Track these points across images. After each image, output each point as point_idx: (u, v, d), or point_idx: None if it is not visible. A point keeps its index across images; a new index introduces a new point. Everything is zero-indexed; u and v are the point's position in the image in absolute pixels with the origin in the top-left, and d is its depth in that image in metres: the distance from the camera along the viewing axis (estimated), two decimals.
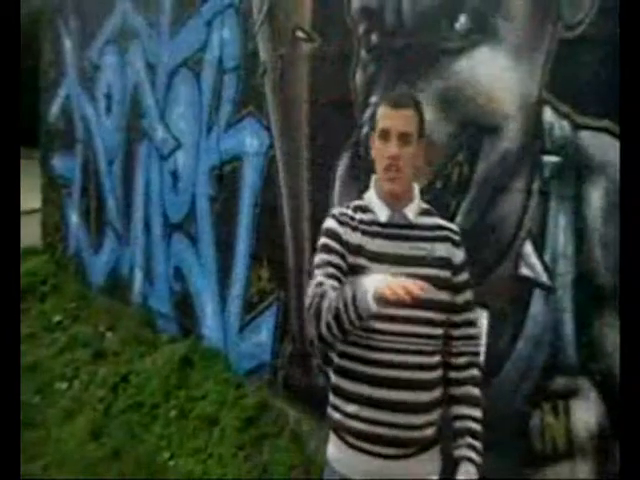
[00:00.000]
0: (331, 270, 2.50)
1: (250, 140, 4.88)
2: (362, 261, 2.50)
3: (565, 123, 3.15)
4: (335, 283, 2.45)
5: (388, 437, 2.49)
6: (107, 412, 5.30)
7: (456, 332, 2.63)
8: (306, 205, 4.46)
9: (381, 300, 2.21)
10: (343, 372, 2.56)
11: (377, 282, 2.23)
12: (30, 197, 8.37)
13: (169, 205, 5.88)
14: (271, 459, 4.26)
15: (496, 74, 3.42)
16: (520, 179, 3.35)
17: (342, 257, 2.52)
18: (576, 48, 3.13)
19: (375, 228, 2.55)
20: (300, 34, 4.46)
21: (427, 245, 2.55)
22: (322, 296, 2.39)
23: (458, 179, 3.58)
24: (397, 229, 2.56)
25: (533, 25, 3.26)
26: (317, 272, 2.52)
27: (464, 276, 2.64)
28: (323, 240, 2.58)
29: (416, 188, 2.64)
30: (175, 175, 5.72)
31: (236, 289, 5.11)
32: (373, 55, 4.01)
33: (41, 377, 5.87)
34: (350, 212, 2.59)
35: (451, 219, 3.67)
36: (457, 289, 2.61)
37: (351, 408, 2.52)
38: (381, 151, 2.50)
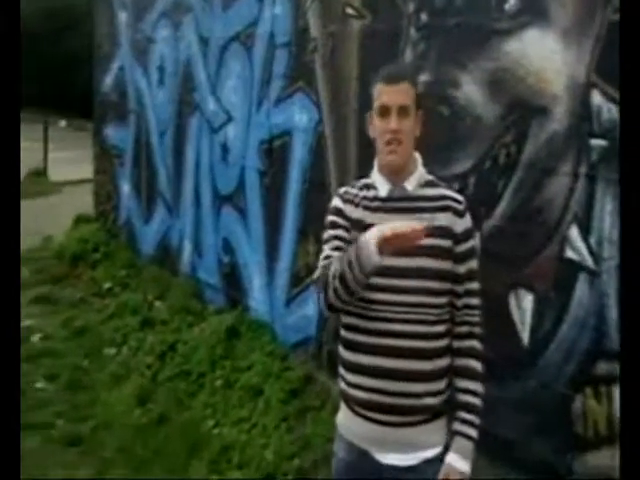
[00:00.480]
0: (337, 243, 2.61)
1: (299, 116, 4.91)
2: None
3: (613, 106, 3.12)
4: (341, 254, 2.52)
5: (388, 405, 2.53)
6: (154, 379, 5.43)
7: (458, 302, 2.64)
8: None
9: (384, 247, 2.32)
10: (346, 343, 2.63)
11: (378, 231, 2.33)
12: (84, 167, 8.55)
13: (219, 177, 5.95)
14: (313, 431, 4.33)
15: (545, 55, 3.39)
16: (567, 162, 3.33)
17: (347, 230, 2.62)
18: None
19: (376, 203, 2.62)
20: (350, 11, 4.46)
21: (428, 216, 2.56)
22: (327, 267, 2.49)
23: (505, 161, 3.57)
24: (397, 202, 2.61)
25: (582, 7, 3.23)
26: (324, 247, 2.64)
27: (467, 245, 2.63)
28: (329, 218, 2.69)
29: (418, 159, 2.68)
30: (225, 148, 5.78)
31: (283, 262, 5.16)
32: (422, 34, 4.00)
33: (90, 342, 6.02)
34: (355, 190, 2.69)
35: (497, 201, 3.68)
36: (459, 258, 2.61)
37: (353, 377, 2.59)
38: (382, 127, 2.56)
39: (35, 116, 17.82)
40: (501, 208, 3.59)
